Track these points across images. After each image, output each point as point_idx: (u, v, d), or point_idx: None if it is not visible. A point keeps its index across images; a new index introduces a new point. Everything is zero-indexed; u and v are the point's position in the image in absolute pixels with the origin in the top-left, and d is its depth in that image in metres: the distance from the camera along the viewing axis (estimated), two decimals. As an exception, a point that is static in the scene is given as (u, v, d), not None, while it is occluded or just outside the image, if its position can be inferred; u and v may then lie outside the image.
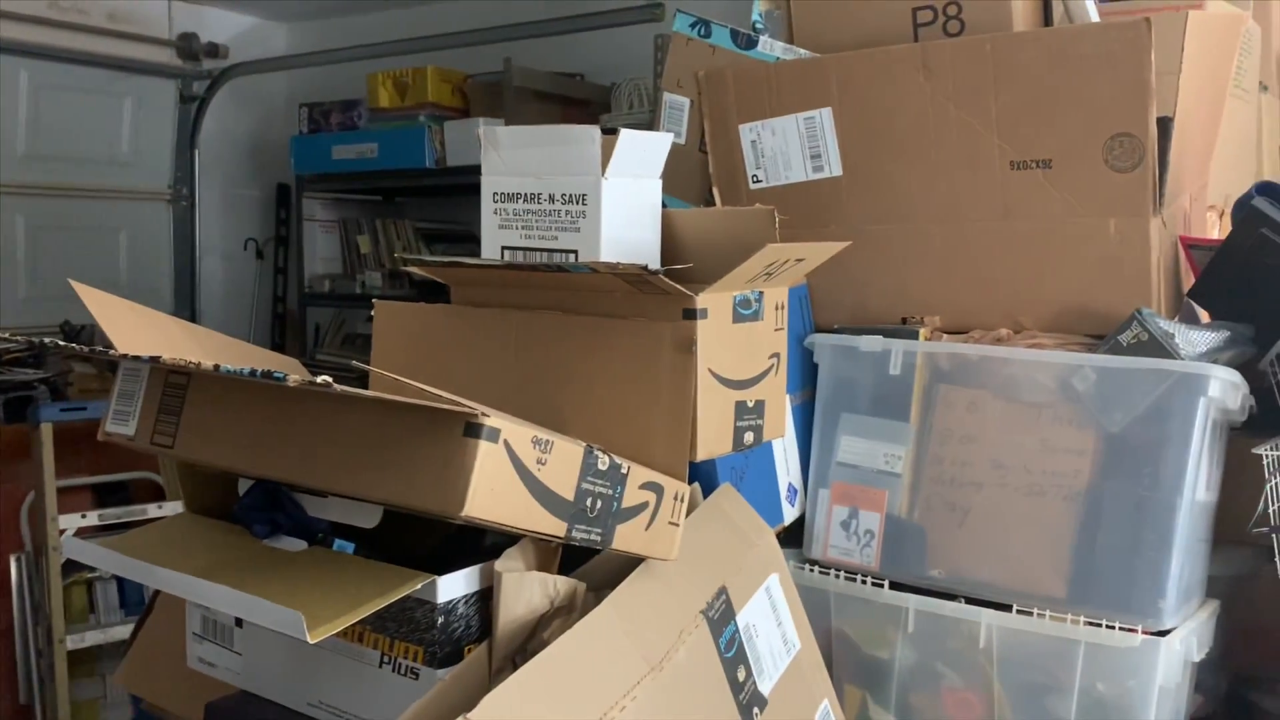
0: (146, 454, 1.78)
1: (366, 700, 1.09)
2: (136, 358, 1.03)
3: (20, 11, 4.00)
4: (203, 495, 1.26)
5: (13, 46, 3.99)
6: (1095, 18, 1.57)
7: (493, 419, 0.89)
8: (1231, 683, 1.69)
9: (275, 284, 4.88)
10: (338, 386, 0.80)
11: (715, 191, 1.73)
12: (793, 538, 1.57)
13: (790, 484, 1.56)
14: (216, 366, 0.85)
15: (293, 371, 1.01)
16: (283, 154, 4.85)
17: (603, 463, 1.02)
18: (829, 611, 1.50)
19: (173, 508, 2.90)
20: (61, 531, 2.70)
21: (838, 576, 1.51)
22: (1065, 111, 1.45)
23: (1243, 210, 1.42)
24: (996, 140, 1.50)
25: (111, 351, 1.01)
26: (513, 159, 1.34)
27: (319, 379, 0.79)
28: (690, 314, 1.16)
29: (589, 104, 3.84)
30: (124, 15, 4.36)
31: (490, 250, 1.38)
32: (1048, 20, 1.65)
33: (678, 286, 1.14)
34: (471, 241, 4.37)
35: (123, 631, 2.77)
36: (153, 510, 2.89)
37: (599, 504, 1.02)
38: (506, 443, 0.91)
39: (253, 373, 0.81)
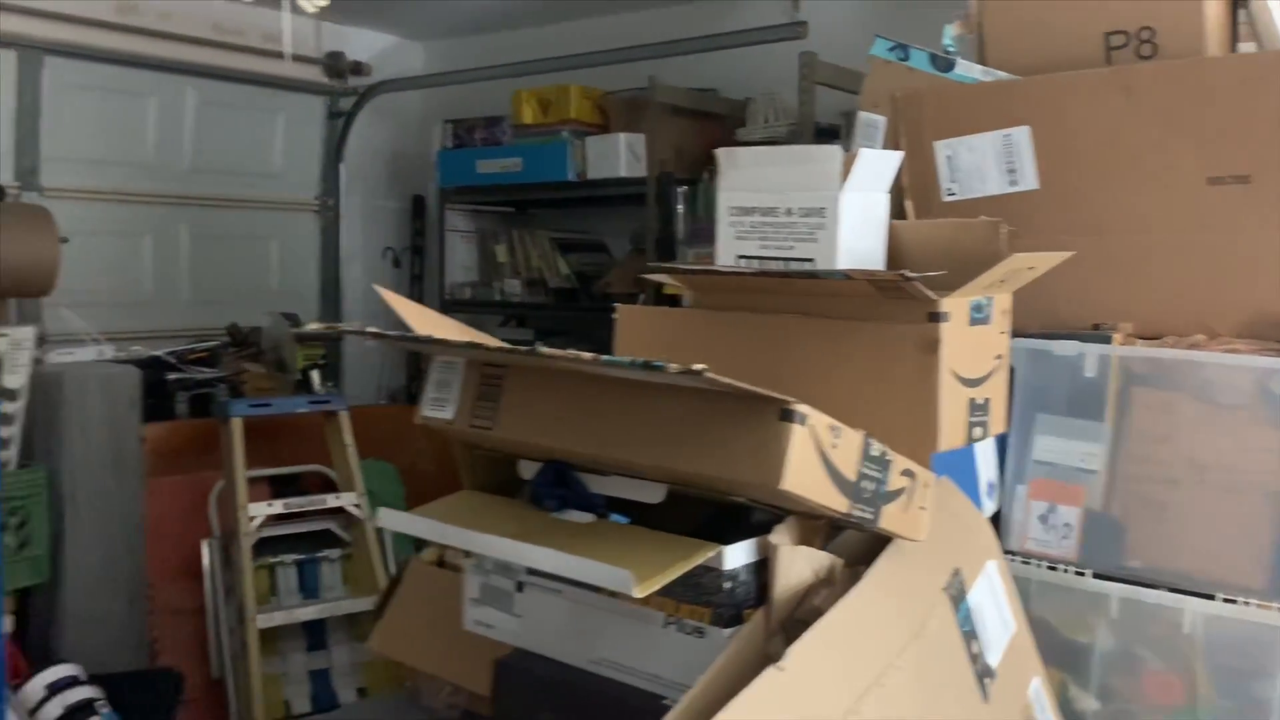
0: (462, 436, 1.91)
1: (650, 656, 1.22)
2: (449, 344, 1.19)
3: (189, 34, 4.29)
4: (483, 475, 1.42)
5: (182, 67, 4.27)
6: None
7: (801, 406, 1.03)
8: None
9: (411, 291, 5.11)
10: (709, 374, 0.93)
11: (908, 203, 1.84)
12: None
13: (989, 480, 1.66)
14: (596, 357, 1.00)
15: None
16: (419, 167, 5.09)
17: (875, 449, 1.15)
18: (1029, 598, 1.60)
19: (349, 498, 3.11)
20: (251, 519, 2.91)
21: (1038, 566, 1.61)
22: (1263, 129, 1.53)
23: None
24: (1192, 158, 1.59)
25: (450, 341, 1.16)
26: (751, 176, 1.47)
27: (694, 366, 0.93)
28: (935, 317, 1.28)
29: (724, 118, 3.97)
30: (277, 35, 4.63)
31: (726, 258, 1.51)
32: (1234, 40, 1.73)
33: (927, 292, 1.26)
34: (602, 250, 4.54)
35: (304, 613, 2.98)
36: (330, 500, 3.09)
37: (871, 486, 1.15)
38: (812, 427, 1.04)
39: (633, 363, 0.95)
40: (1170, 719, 1.51)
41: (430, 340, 1.19)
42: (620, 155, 3.85)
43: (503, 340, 1.48)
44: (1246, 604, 1.45)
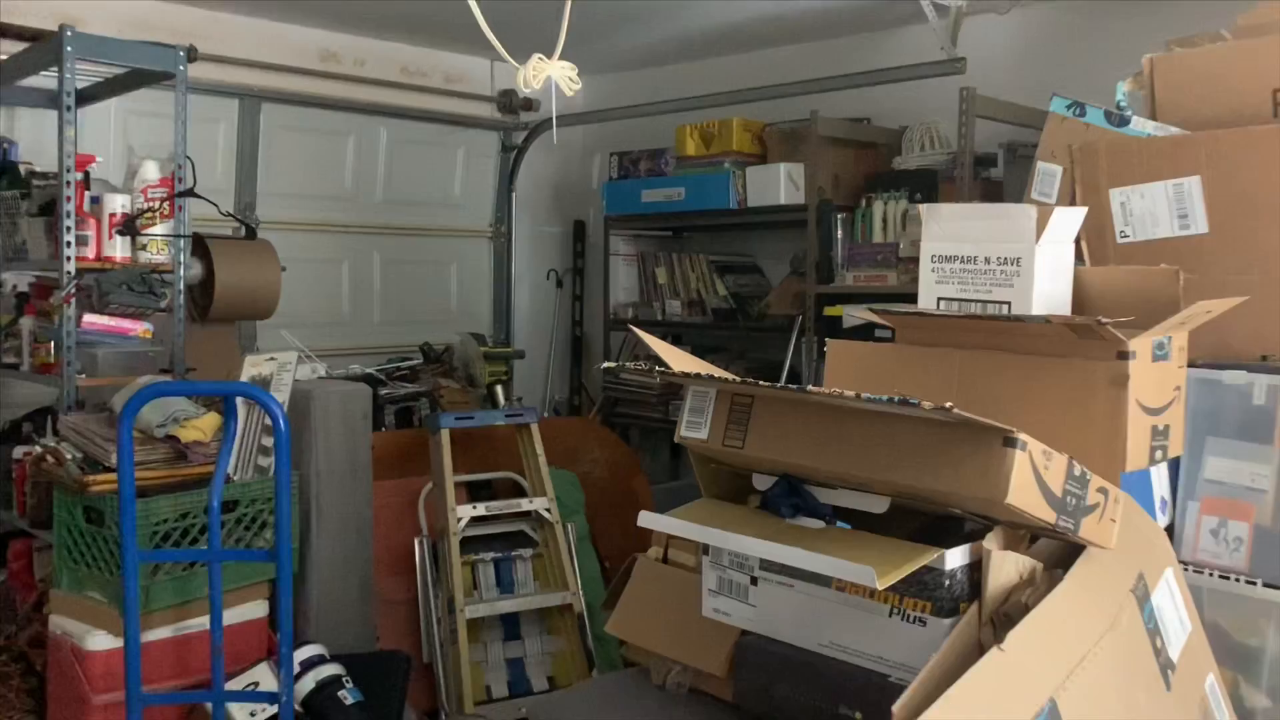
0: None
1: (876, 641, 1.46)
2: (708, 380, 1.45)
3: (381, 78, 4.71)
4: (718, 486, 1.68)
5: (375, 108, 4.70)
6: None
7: (1022, 435, 1.25)
8: None
9: (573, 310, 5.45)
10: (957, 412, 1.17)
11: (1083, 244, 2.03)
12: (1162, 542, 1.85)
13: (1163, 496, 1.84)
14: (859, 394, 1.24)
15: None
16: (580, 193, 5.44)
17: (1077, 470, 1.36)
18: (1202, 604, 1.77)
19: (541, 503, 3.42)
20: (459, 519, 3.25)
21: (1210, 575, 1.78)
22: None
23: None
24: (1358, 204, 1.74)
25: (712, 376, 1.42)
26: (952, 229, 1.70)
27: (945, 404, 1.16)
28: (1124, 355, 1.49)
29: (880, 146, 4.16)
30: (456, 76, 5.03)
31: (927, 301, 1.73)
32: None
33: (1118, 334, 1.46)
34: (756, 272, 4.78)
35: (504, 606, 3.30)
36: (524, 504, 3.40)
37: (1074, 501, 1.36)
38: (1030, 452, 1.26)
39: (890, 400, 1.20)
40: (1338, 717, 1.66)
41: (701, 377, 1.45)
42: (780, 184, 4.08)
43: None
44: None
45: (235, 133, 4.32)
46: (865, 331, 2.86)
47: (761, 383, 1.38)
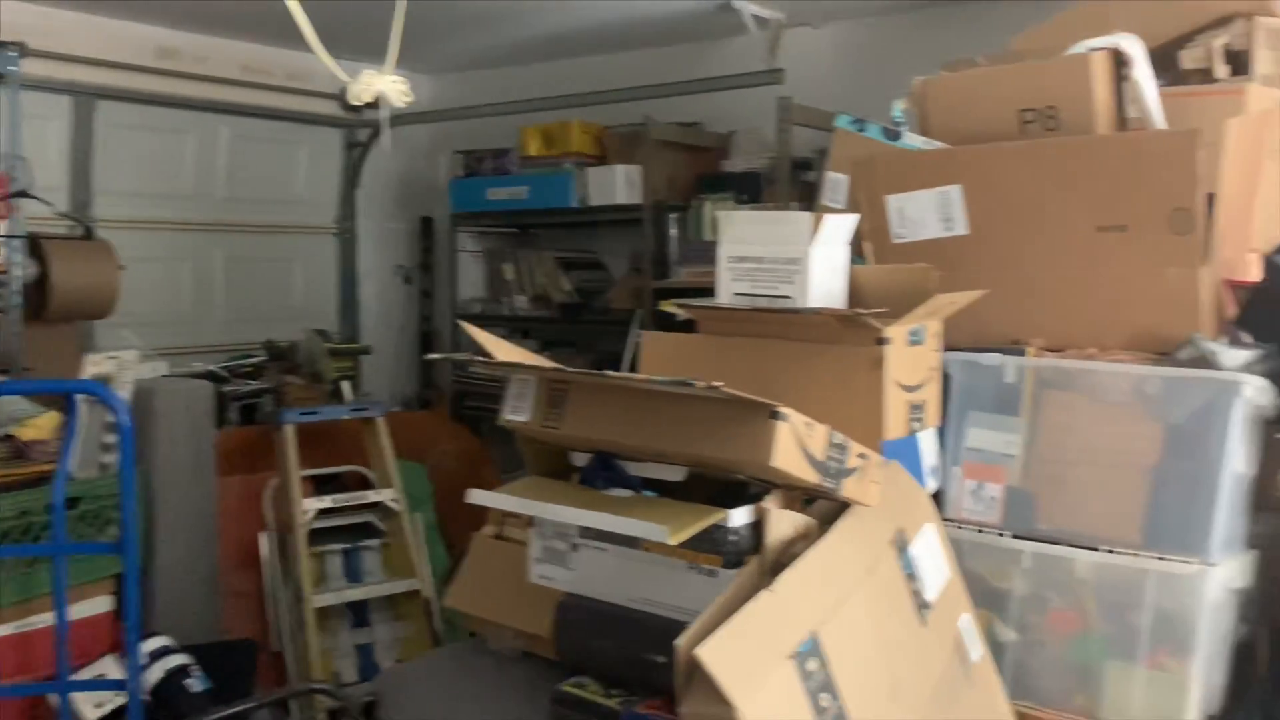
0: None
1: (677, 593, 1.67)
2: (529, 368, 1.63)
3: (222, 75, 4.70)
4: (542, 464, 1.86)
5: (216, 106, 4.69)
6: (1161, 121, 2.11)
7: (784, 408, 1.47)
8: (1274, 629, 2.20)
9: (421, 306, 5.54)
10: (724, 390, 1.38)
11: (866, 244, 2.29)
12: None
13: (931, 464, 2.11)
14: (647, 378, 1.44)
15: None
16: (426, 191, 5.53)
17: (837, 439, 1.60)
18: (964, 555, 2.05)
19: (388, 494, 3.53)
20: (305, 512, 3.34)
21: (971, 530, 2.06)
22: (1138, 191, 1.99)
23: (1268, 265, 1.95)
24: (1084, 211, 2.05)
25: (525, 363, 1.60)
26: (743, 232, 1.92)
27: (714, 384, 1.37)
28: (881, 341, 1.74)
29: (710, 150, 4.42)
30: (299, 73, 5.05)
31: (725, 295, 1.96)
32: (1122, 116, 2.19)
33: (874, 323, 1.71)
34: (600, 268, 4.99)
35: (352, 594, 3.41)
36: (371, 496, 3.52)
37: (835, 465, 1.59)
38: (792, 423, 1.49)
39: (671, 381, 1.40)
40: (1070, 644, 1.96)
41: (519, 366, 1.63)
42: (618, 184, 4.29)
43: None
44: (1124, 554, 1.90)
45: (70, 131, 4.26)
46: (691, 323, 3.09)
47: (571, 369, 1.57)
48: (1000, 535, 2.04)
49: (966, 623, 1.88)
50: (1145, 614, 1.88)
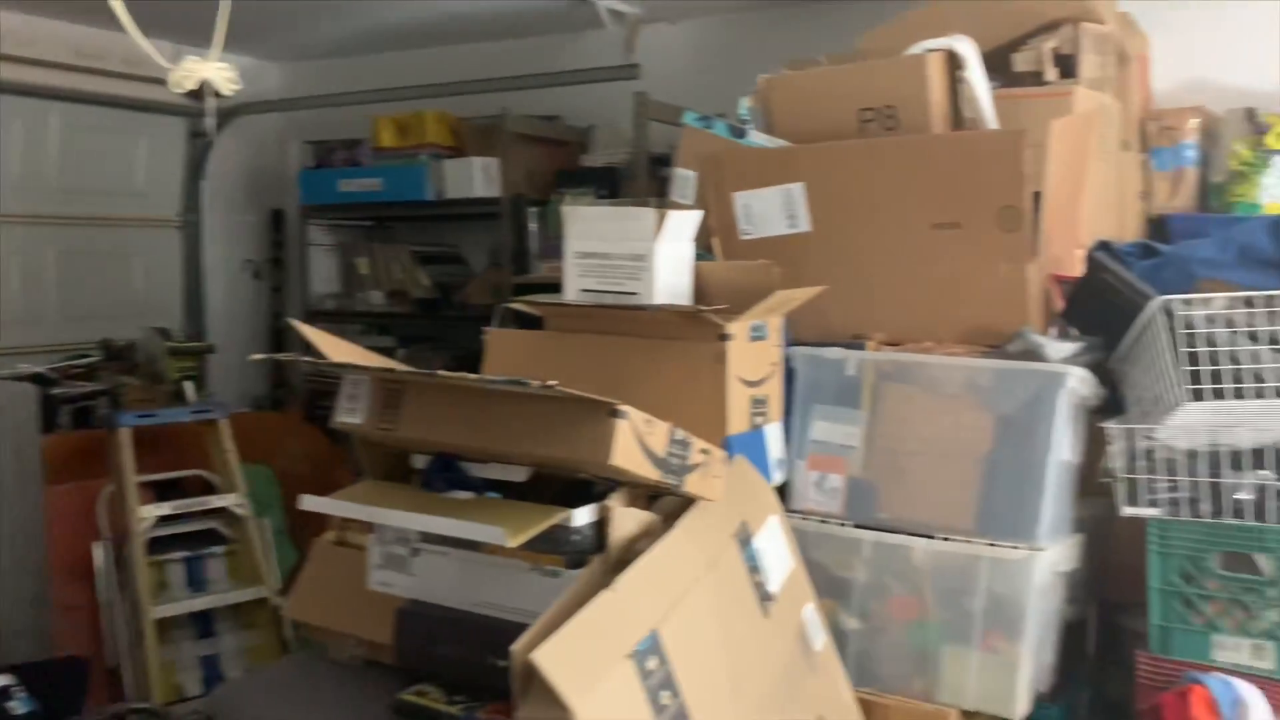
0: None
1: (519, 596, 1.64)
2: (362, 368, 1.57)
3: (50, 59, 4.42)
4: (380, 467, 1.80)
5: (45, 91, 4.41)
6: (993, 120, 2.19)
7: (624, 406, 1.46)
8: (1103, 607, 2.31)
9: (272, 302, 5.34)
10: (560, 389, 1.35)
11: (715, 241, 2.31)
12: (779, 496, 2.15)
13: (778, 457, 2.14)
14: (479, 378, 1.40)
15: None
16: (277, 182, 5.33)
17: (678, 435, 1.60)
18: (808, 546, 2.08)
19: (232, 499, 3.39)
20: (142, 520, 3.17)
21: (815, 521, 2.10)
22: (969, 189, 2.06)
23: (1089, 260, 2.05)
24: (920, 208, 2.11)
25: (360, 365, 1.55)
26: (589, 228, 1.90)
27: (549, 382, 1.35)
28: (723, 337, 1.75)
29: (570, 144, 4.39)
30: (137, 59, 4.77)
31: (572, 292, 1.94)
32: (958, 116, 2.26)
33: (714, 319, 1.72)
34: (460, 263, 4.90)
35: (195, 604, 3.26)
36: (214, 501, 3.37)
37: (677, 461, 1.59)
38: (632, 421, 1.48)
39: (506, 381, 1.36)
40: (909, 630, 2.02)
41: (351, 366, 1.57)
42: (476, 177, 4.21)
43: (368, 348, 1.87)
44: (958, 540, 1.97)
45: (-126, 115, 3.94)
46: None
47: (404, 369, 1.52)
48: (842, 525, 2.08)
49: (810, 612, 1.91)
50: (978, 598, 1.95)
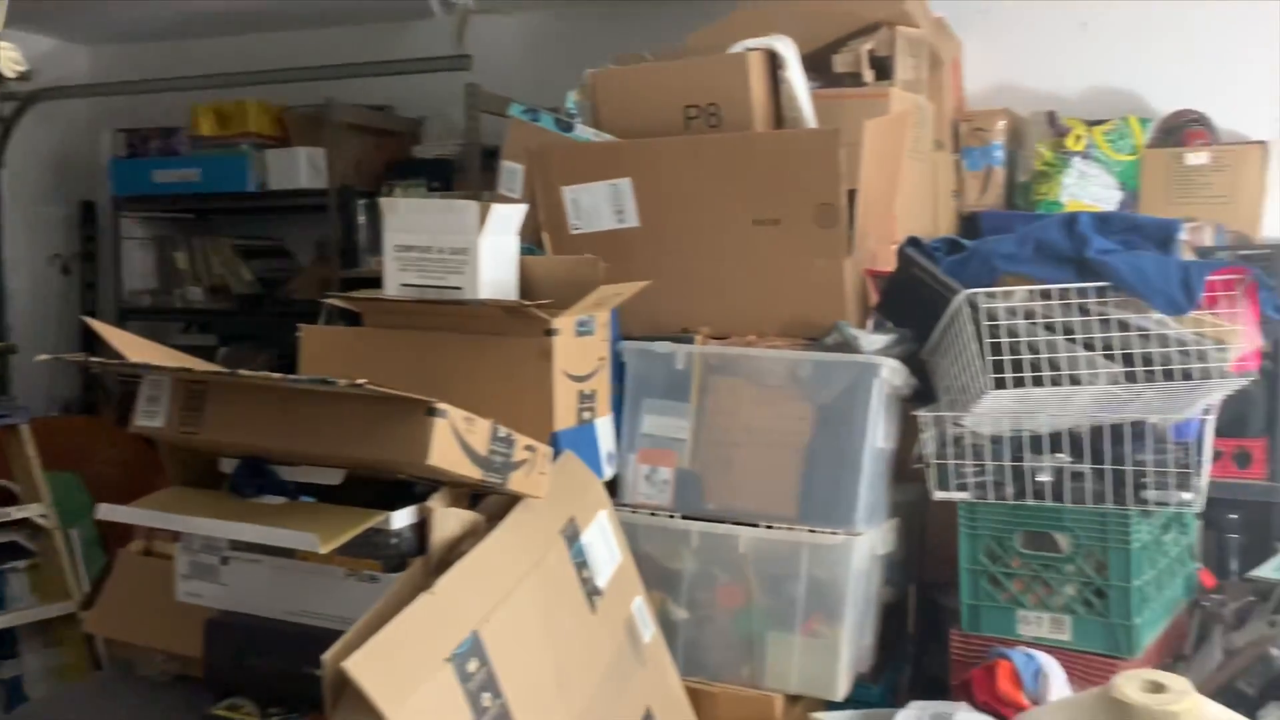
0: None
1: (336, 603, 1.59)
2: (160, 368, 1.49)
3: None
4: (187, 472, 1.71)
5: None
6: (811, 119, 2.24)
7: (441, 404, 1.43)
8: (923, 588, 2.41)
9: (83, 299, 5.02)
10: (370, 387, 1.31)
11: (545, 235, 2.29)
12: (610, 490, 2.15)
13: (608, 451, 2.15)
14: (283, 377, 1.34)
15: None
16: (87, 172, 5.00)
17: (501, 432, 1.57)
18: (639, 539, 2.09)
19: (35, 509, 3.18)
20: (-70, 535, 2.93)
21: (645, 514, 2.11)
22: (788, 186, 2.11)
23: (900, 256, 2.13)
24: (742, 205, 2.14)
25: (155, 365, 1.46)
26: (409, 221, 1.86)
27: (358, 380, 1.30)
28: (549, 332, 1.73)
29: (401, 135, 4.29)
30: (-78, 36, 4.42)
31: (392, 287, 1.88)
32: (779, 114, 2.31)
33: (540, 314, 1.70)
34: (286, 256, 4.72)
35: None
36: (12, 513, 3.15)
37: (500, 459, 1.57)
38: (451, 419, 1.45)
39: (311, 379, 1.31)
40: (735, 618, 2.05)
41: (149, 366, 1.48)
42: (301, 168, 4.07)
43: (186, 348, 1.78)
44: (781, 528, 2.02)
45: None
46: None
47: (203, 368, 1.44)
48: (672, 517, 2.10)
49: (639, 605, 1.92)
50: (800, 584, 2.01)
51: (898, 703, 1.97)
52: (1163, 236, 1.93)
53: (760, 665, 2.01)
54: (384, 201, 1.90)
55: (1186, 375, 1.82)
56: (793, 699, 2.02)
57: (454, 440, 1.45)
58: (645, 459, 2.15)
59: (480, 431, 1.52)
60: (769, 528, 2.02)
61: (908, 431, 2.16)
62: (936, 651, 2.25)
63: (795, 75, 2.27)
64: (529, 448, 1.64)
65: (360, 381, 1.31)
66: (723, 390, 2.13)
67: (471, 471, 1.51)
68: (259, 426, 1.51)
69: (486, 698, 1.40)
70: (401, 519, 1.55)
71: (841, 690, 1.98)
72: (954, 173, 3.15)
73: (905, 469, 2.19)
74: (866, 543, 2.01)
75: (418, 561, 1.55)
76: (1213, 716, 1.42)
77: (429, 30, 4.31)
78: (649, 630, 1.92)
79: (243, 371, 1.39)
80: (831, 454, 2.02)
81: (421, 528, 1.58)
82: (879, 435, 2.05)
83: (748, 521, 2.05)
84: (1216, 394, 1.90)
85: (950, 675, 2.08)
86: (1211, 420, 1.96)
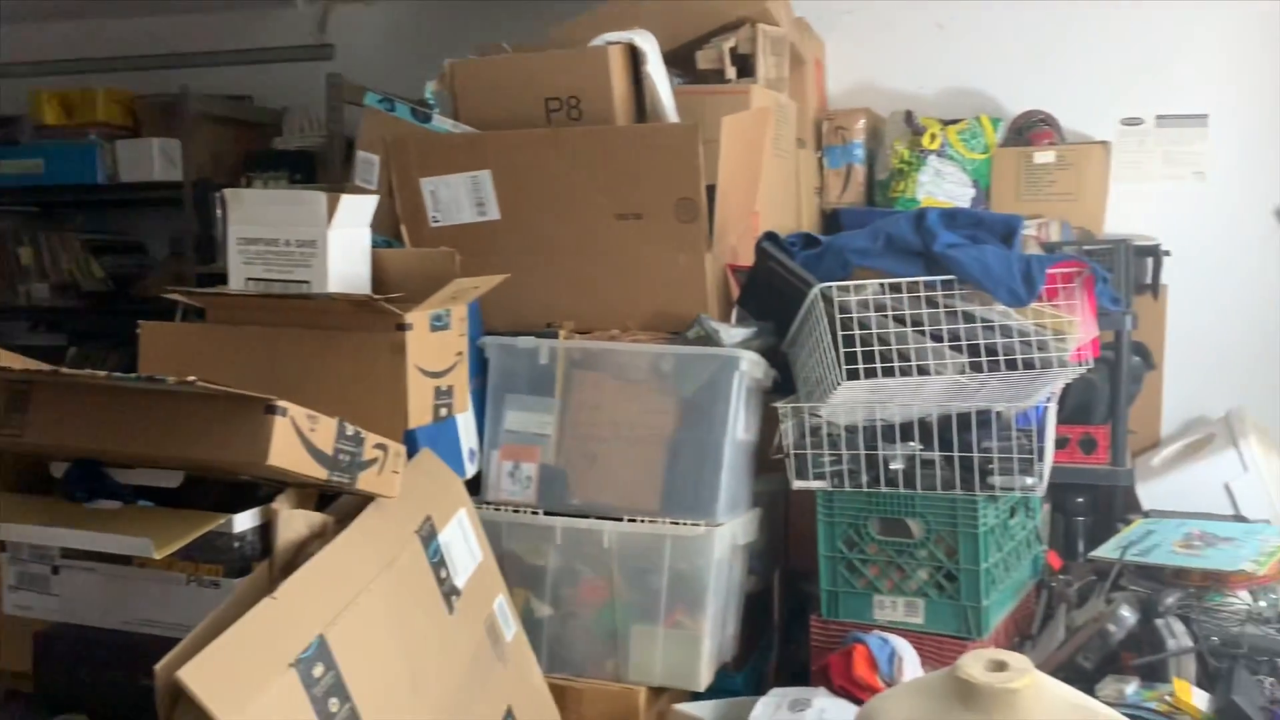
0: None
1: (176, 610, 1.52)
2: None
3: None
4: (12, 476, 1.62)
5: None
6: (673, 114, 2.25)
7: (282, 402, 1.38)
8: (790, 577, 2.45)
9: (-85, 296, 4.70)
10: (201, 384, 1.25)
11: (404, 228, 2.24)
12: (473, 488, 2.13)
13: (470, 448, 2.11)
14: (109, 374, 1.27)
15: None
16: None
17: (349, 430, 1.53)
18: (502, 537, 2.07)
19: None
20: None
21: (509, 511, 2.09)
22: (649, 180, 2.11)
23: (757, 250, 2.15)
24: (604, 199, 2.14)
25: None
26: (255, 213, 1.79)
27: (188, 378, 1.24)
28: (401, 327, 1.69)
29: (262, 126, 4.15)
30: None
31: (237, 281, 1.81)
32: (642, 109, 2.31)
33: (391, 308, 1.66)
34: (140, 252, 4.52)
35: None
36: None
37: (347, 458, 1.52)
38: (291, 417, 1.40)
39: (138, 378, 1.24)
40: (599, 613, 2.05)
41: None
42: (154, 159, 3.90)
43: (32, 348, 1.68)
44: (645, 522, 2.02)
45: None
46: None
47: (20, 366, 1.36)
48: (535, 514, 2.08)
49: (501, 604, 1.89)
50: (663, 577, 2.01)
51: (762, 691, 1.99)
52: (1005, 231, 2.00)
53: (624, 659, 2.01)
54: (228, 192, 1.83)
55: (1028, 365, 1.89)
56: (657, 691, 2.02)
57: (296, 439, 1.41)
58: (509, 455, 2.13)
59: (325, 430, 1.47)
60: (632, 521, 2.02)
61: (769, 423, 2.19)
62: (803, 639, 2.29)
63: (657, 70, 2.28)
64: (380, 446, 1.60)
65: (190, 379, 1.25)
66: (587, 385, 2.12)
67: (316, 471, 1.46)
68: (90, 428, 1.43)
69: (334, 703, 1.36)
70: (244, 522, 1.50)
71: (704, 681, 2.00)
72: (817, 171, 3.21)
73: (767, 460, 2.22)
74: (728, 533, 2.03)
75: (262, 566, 1.50)
76: (1050, 691, 1.48)
77: (290, 19, 4.18)
78: (511, 629, 1.89)
79: (65, 370, 1.31)
80: (693, 446, 2.03)
81: (266, 530, 1.53)
82: (740, 427, 2.07)
83: (612, 516, 2.04)
84: (1057, 382, 1.98)
85: (811, 661, 2.12)
86: (1053, 408, 2.05)
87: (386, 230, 2.27)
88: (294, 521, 1.53)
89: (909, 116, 3.20)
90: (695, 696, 2.04)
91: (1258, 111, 3.16)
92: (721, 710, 1.93)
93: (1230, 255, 3.18)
